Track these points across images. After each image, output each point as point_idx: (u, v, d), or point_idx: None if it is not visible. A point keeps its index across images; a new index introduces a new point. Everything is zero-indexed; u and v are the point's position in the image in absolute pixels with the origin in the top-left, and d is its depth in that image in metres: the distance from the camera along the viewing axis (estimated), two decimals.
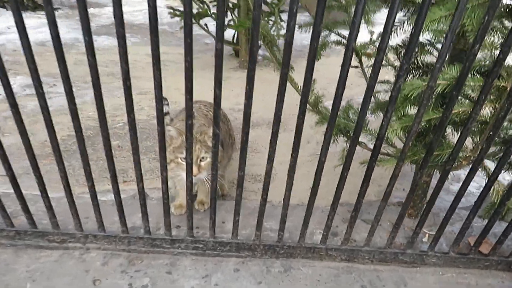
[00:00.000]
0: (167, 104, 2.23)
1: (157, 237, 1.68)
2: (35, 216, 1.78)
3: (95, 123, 3.17)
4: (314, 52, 1.13)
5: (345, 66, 1.15)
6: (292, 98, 2.13)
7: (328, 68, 4.28)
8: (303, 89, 1.22)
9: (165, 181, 1.47)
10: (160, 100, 1.23)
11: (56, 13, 6.90)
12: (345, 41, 1.98)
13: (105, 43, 5.21)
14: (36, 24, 5.81)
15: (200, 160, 1.69)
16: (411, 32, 1.11)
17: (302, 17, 2.07)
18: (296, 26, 2.25)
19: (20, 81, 3.78)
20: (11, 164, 1.46)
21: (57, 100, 3.49)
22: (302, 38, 5.78)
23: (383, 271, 1.71)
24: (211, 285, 1.57)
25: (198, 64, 4.79)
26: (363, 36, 2.16)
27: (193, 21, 4.37)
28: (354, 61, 2.11)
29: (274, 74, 2.12)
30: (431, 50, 1.79)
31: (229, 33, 5.01)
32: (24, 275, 1.55)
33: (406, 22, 1.54)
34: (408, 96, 1.32)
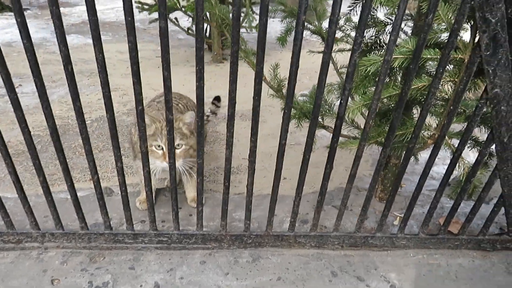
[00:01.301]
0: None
1: (119, 232, 1.61)
2: None
3: (62, 122, 3.07)
4: (265, 26, 1.08)
5: (297, 41, 1.11)
6: (263, 90, 2.08)
7: (301, 60, 4.23)
8: (256, 68, 1.17)
9: (121, 172, 1.41)
10: (105, 83, 1.16)
11: (25, 13, 6.73)
12: (310, 27, 1.95)
13: (74, 41, 5.07)
14: (3, 25, 5.64)
15: (175, 148, 1.61)
16: (363, 3, 1.07)
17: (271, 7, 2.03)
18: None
19: None
20: None
21: (22, 100, 3.36)
22: (277, 31, 5.74)
23: (354, 256, 1.68)
24: (176, 279, 1.51)
25: (171, 60, 4.69)
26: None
27: None
28: (321, 46, 2.09)
29: (245, 68, 2.06)
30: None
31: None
32: None
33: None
34: (367, 72, 1.29)
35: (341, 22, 2.08)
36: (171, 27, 6.22)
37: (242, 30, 4.14)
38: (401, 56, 1.24)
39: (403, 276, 1.60)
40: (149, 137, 1.64)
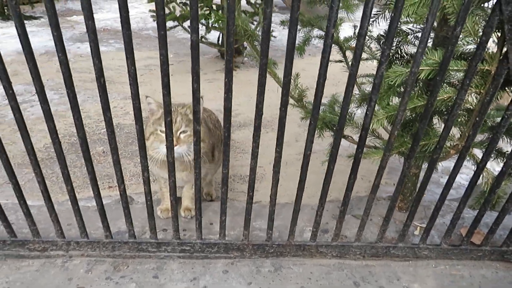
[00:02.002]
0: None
1: (143, 241, 1.62)
2: (16, 225, 1.72)
3: None
4: (293, 40, 1.10)
5: (326, 54, 1.12)
6: (278, 98, 2.09)
7: (315, 67, 4.26)
8: (283, 79, 1.18)
9: (147, 181, 1.42)
10: (136, 95, 1.18)
11: (39, 21, 6.84)
12: None
13: (88, 50, 5.14)
14: (16, 34, 5.72)
15: (180, 133, 1.60)
16: (391, 16, 1.08)
17: (283, 17, 2.04)
18: (279, 22, 2.22)
19: (0, 90, 3.70)
20: None
21: (38, 108, 3.42)
22: None
23: (375, 266, 1.68)
24: None
25: (184, 68, 4.75)
26: (347, 31, 2.15)
27: (177, 23, 4.35)
28: (339, 56, 2.10)
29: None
30: (414, 41, 1.77)
31: (214, 36, 4.99)
32: (3, 287, 1.49)
33: (386, 11, 1.52)
34: (392, 84, 1.29)
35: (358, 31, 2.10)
36: (182, 34, 6.31)
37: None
38: (428, 67, 1.25)
39: (426, 286, 1.59)
40: (155, 121, 1.63)
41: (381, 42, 1.77)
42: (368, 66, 2.17)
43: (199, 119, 1.25)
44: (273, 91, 2.16)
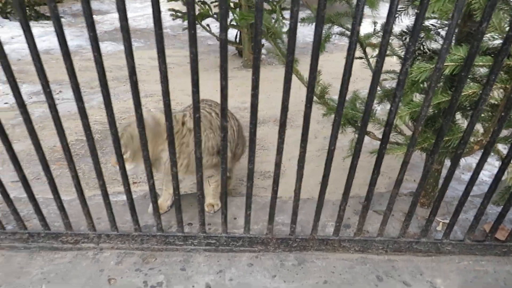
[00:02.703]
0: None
1: (170, 234, 1.67)
2: (48, 219, 1.79)
3: (103, 127, 3.18)
4: (319, 37, 1.12)
5: (351, 51, 1.14)
6: (297, 95, 2.09)
7: (332, 64, 4.27)
8: (309, 76, 1.21)
9: (175, 176, 1.47)
10: (166, 92, 1.23)
11: None
12: (348, 33, 1.97)
13: (108, 48, 5.25)
14: (40, 33, 5.88)
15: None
16: (416, 12, 1.09)
17: (304, 14, 2.07)
18: (299, 20, 2.24)
19: (26, 89, 3.82)
20: (22, 169, 1.48)
21: (63, 106, 3.52)
22: (305, 35, 5.79)
23: (398, 261, 1.69)
24: (226, 281, 1.56)
25: (202, 65, 4.81)
26: (367, 27, 2.16)
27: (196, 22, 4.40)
28: (359, 52, 2.11)
29: (278, 72, 2.07)
30: (437, 38, 1.77)
31: (231, 33, 5.03)
32: (38, 277, 1.56)
33: (409, 7, 1.53)
34: (416, 80, 1.31)
35: (378, 27, 2.11)
36: (200, 33, 6.36)
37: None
38: (452, 63, 1.26)
39: (449, 282, 1.60)
40: None
41: (405, 39, 1.77)
42: (387, 63, 2.18)
43: (226, 115, 1.29)
44: (292, 88, 2.18)
